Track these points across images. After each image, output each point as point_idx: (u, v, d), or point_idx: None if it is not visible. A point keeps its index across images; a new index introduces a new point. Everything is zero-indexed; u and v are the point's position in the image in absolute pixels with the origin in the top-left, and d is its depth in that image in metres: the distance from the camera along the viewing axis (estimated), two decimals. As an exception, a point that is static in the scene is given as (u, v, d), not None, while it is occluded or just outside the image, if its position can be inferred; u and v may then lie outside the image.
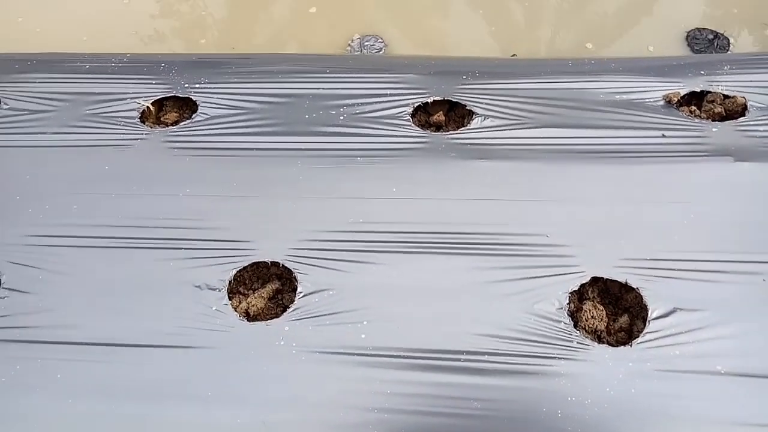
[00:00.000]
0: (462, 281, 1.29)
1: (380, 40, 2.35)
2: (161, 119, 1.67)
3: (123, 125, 1.60)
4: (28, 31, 2.34)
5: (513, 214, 1.39)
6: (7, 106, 1.67)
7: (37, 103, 1.69)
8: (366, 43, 2.34)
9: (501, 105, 1.64)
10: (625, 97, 1.67)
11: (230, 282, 1.31)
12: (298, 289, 1.28)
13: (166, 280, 1.30)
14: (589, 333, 1.25)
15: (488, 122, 1.60)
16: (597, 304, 1.28)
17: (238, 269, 1.32)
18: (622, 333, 1.26)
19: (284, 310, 1.27)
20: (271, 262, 1.33)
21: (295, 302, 1.27)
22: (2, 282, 1.31)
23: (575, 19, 2.43)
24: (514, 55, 2.24)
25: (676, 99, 1.66)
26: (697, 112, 1.64)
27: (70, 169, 1.50)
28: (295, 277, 1.30)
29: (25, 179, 1.49)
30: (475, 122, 1.60)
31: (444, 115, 1.66)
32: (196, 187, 1.46)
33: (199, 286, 1.29)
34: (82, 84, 1.73)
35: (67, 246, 1.36)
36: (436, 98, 1.66)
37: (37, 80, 1.76)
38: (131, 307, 1.26)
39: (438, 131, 1.62)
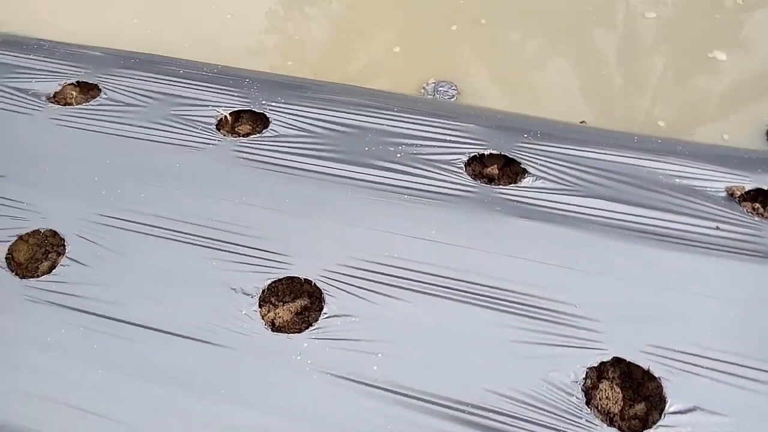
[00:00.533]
0: (482, 334, 1.30)
1: (454, 87, 2.42)
2: (235, 129, 1.80)
3: (200, 129, 1.74)
4: (140, 31, 2.59)
5: (546, 278, 1.40)
6: (106, 96, 1.85)
7: (131, 97, 1.86)
8: (440, 89, 2.42)
9: (556, 168, 1.66)
10: (684, 182, 1.65)
11: (264, 291, 1.38)
12: (324, 310, 1.34)
13: (207, 278, 1.39)
14: (601, 413, 1.22)
15: (539, 183, 1.62)
16: (615, 386, 1.26)
17: (273, 280, 1.40)
18: (636, 421, 1.23)
19: (308, 327, 1.33)
20: (304, 279, 1.40)
21: (318, 321, 1.32)
22: (67, 251, 1.45)
23: (656, 95, 2.41)
24: (583, 121, 2.25)
25: (739, 193, 1.62)
26: (761, 210, 1.59)
27: (145, 161, 1.65)
28: (323, 298, 1.36)
29: (105, 163, 1.64)
30: (527, 181, 1.62)
31: (498, 169, 1.69)
32: (251, 197, 1.56)
33: (234, 289, 1.37)
34: (173, 86, 1.90)
35: (127, 230, 1.49)
36: (493, 152, 1.70)
37: (136, 77, 1.95)
38: (171, 296, 1.36)
39: (489, 183, 1.66)
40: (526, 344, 1.28)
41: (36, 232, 1.51)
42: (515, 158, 1.69)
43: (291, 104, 1.84)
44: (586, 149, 1.74)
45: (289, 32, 2.72)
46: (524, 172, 1.66)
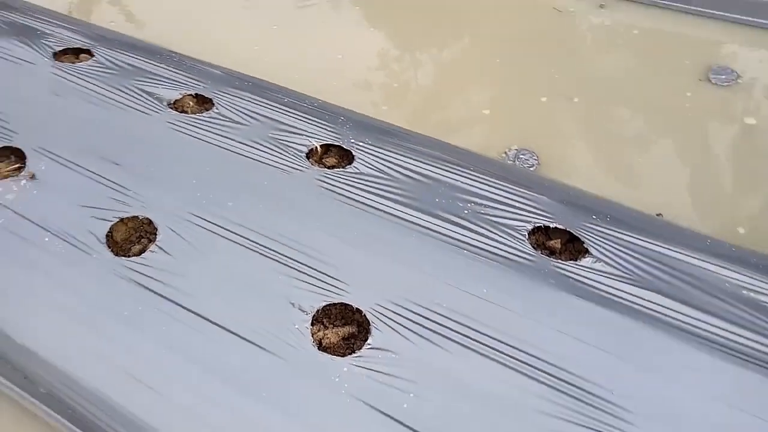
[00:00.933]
0: (512, 398, 1.34)
1: (535, 157, 2.49)
2: (323, 160, 1.95)
3: (291, 155, 1.91)
4: (258, 58, 2.86)
5: (587, 358, 1.41)
6: (217, 111, 2.08)
7: (238, 115, 2.07)
8: (521, 156, 2.50)
9: (619, 255, 1.68)
10: (752, 295, 1.61)
11: (318, 311, 1.49)
12: (368, 341, 1.42)
13: (270, 288, 1.52)
14: (618, 504, 1.22)
15: (599, 266, 1.64)
16: (638, 481, 1.25)
17: (328, 303, 1.50)
18: None
19: (351, 353, 1.42)
20: (356, 308, 1.49)
21: (361, 350, 1.41)
22: (157, 240, 1.63)
23: (741, 201, 2.36)
24: (659, 214, 2.24)
25: (810, 317, 1.56)
26: (830, 339, 1.53)
27: (238, 174, 1.82)
28: (370, 329, 1.45)
29: (205, 169, 1.84)
30: (587, 261, 1.65)
31: (561, 244, 1.73)
32: (324, 224, 1.69)
33: (292, 304, 1.49)
34: (276, 112, 2.09)
35: (211, 231, 1.65)
36: (559, 226, 1.75)
37: (245, 98, 2.16)
38: (236, 298, 1.50)
39: (549, 256, 1.70)
40: (554, 418, 1.30)
41: (135, 217, 1.71)
42: (580, 237, 1.73)
43: (377, 147, 1.98)
44: (655, 242, 1.74)
45: (393, 76, 2.91)
46: (586, 251, 1.69)
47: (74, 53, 2.43)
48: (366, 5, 3.39)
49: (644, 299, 1.57)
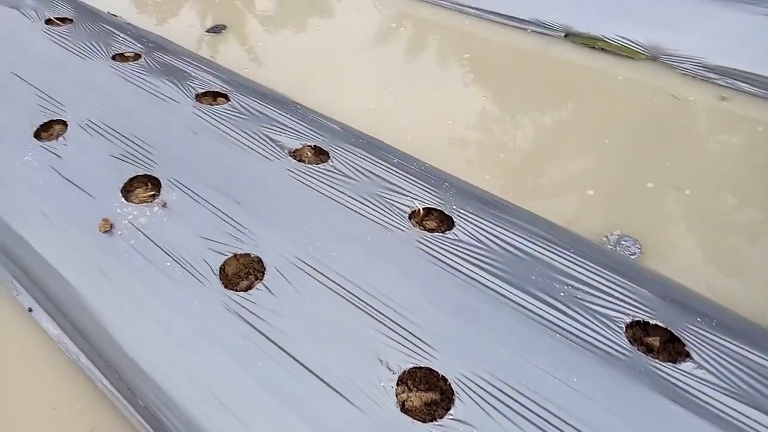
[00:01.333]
0: (594, 499, 1.28)
1: (638, 245, 2.42)
2: (423, 222, 2.02)
3: (395, 214, 1.99)
4: (373, 117, 3.04)
5: (680, 472, 1.34)
6: (332, 164, 2.22)
7: (350, 169, 2.20)
8: (623, 242, 2.44)
9: (724, 365, 1.59)
10: None
11: (404, 372, 1.52)
12: (451, 411, 1.43)
13: (362, 342, 1.58)
14: None
15: (701, 373, 1.56)
16: None
17: (414, 366, 1.53)
18: None
19: (431, 420, 1.43)
20: (442, 375, 1.51)
21: (443, 419, 1.42)
22: (264, 278, 1.75)
23: None
24: (770, 323, 2.09)
25: None
26: None
27: (344, 226, 1.93)
28: (453, 399, 1.46)
29: (315, 218, 1.96)
30: (687, 366, 1.57)
31: (660, 342, 1.66)
32: (419, 287, 1.74)
33: (381, 360, 1.53)
34: (385, 171, 2.20)
35: (313, 277, 1.75)
36: (660, 324, 1.69)
37: (359, 154, 2.30)
38: (328, 345, 1.57)
39: (646, 354, 1.63)
40: None
41: (247, 255, 1.85)
42: (681, 338, 1.65)
43: (478, 216, 2.02)
44: (765, 356, 1.63)
45: (499, 143, 2.96)
46: (687, 355, 1.61)
47: (213, 96, 2.71)
48: (479, 74, 3.51)
49: (749, 417, 1.47)
